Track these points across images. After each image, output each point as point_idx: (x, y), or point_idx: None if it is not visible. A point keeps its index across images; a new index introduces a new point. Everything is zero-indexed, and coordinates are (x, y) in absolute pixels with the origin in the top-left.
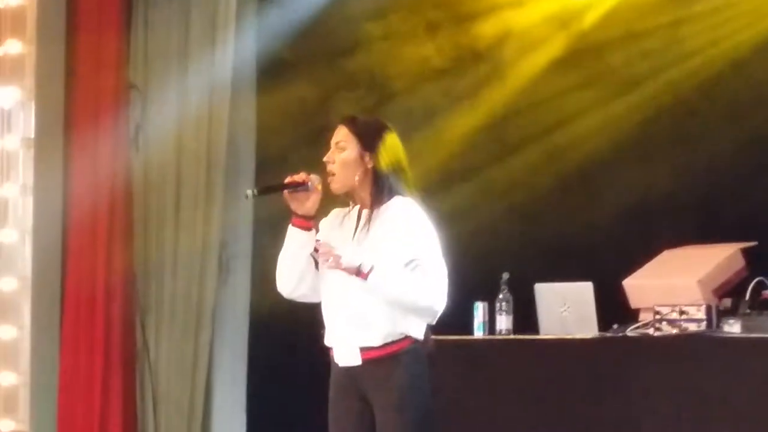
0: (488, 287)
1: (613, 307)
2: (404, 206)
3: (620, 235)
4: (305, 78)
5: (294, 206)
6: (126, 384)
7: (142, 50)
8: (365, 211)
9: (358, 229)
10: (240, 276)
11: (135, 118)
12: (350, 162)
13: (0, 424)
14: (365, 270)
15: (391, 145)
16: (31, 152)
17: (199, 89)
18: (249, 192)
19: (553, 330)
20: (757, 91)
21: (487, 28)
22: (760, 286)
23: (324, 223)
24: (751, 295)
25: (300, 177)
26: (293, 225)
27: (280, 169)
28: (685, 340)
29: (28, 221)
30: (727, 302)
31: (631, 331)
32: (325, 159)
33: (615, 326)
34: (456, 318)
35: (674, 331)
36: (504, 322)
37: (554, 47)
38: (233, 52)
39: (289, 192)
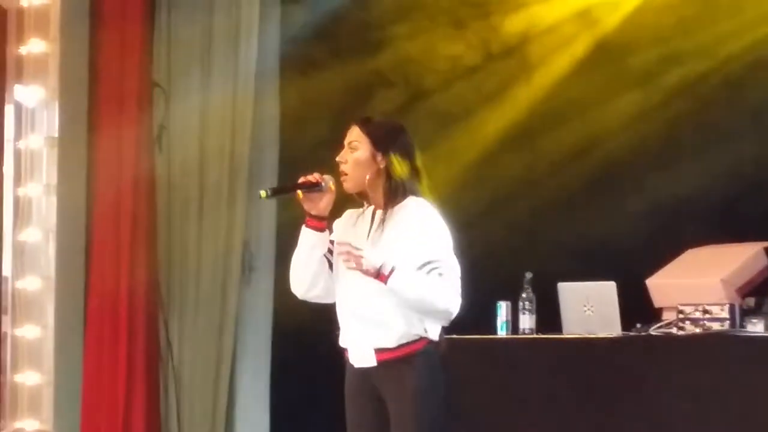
0: (511, 286)
1: (636, 307)
2: (418, 207)
3: (644, 235)
4: (329, 76)
5: (307, 207)
6: (149, 384)
7: (166, 49)
8: (379, 212)
9: (372, 229)
10: (263, 276)
11: (158, 117)
12: (363, 162)
13: (24, 423)
14: (386, 272)
15: (404, 145)
16: (55, 151)
17: (223, 89)
18: (262, 192)
19: (576, 329)
20: None
21: (514, 26)
22: None
23: (337, 224)
24: None
25: (314, 177)
26: (307, 226)
27: (302, 168)
28: (709, 339)
29: (52, 220)
30: (751, 301)
31: (654, 331)
32: (338, 158)
33: (638, 325)
34: (479, 317)
35: (697, 330)
36: (527, 322)
37: (580, 47)
38: (256, 51)
39: (302, 192)
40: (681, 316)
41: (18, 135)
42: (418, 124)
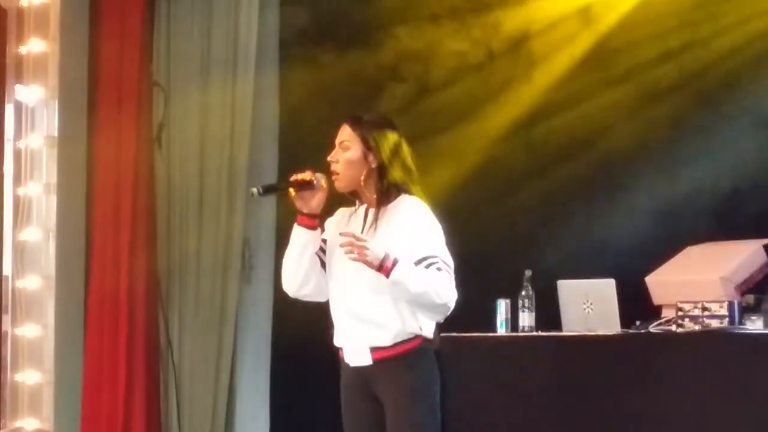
0: (511, 284)
1: (635, 304)
2: (411, 205)
3: (643, 232)
4: (328, 73)
5: (299, 205)
6: (150, 382)
7: (165, 49)
8: (372, 210)
9: (365, 228)
10: (263, 274)
11: (158, 116)
12: (354, 161)
13: (24, 422)
14: (389, 264)
15: (396, 144)
16: (55, 151)
17: (222, 87)
18: (254, 190)
19: (575, 327)
20: None
21: (515, 22)
22: None
23: (330, 222)
24: None
25: (305, 175)
26: (298, 224)
27: (302, 166)
28: (708, 336)
29: (52, 220)
30: (750, 298)
31: (653, 328)
32: (329, 158)
33: (637, 323)
34: (479, 315)
35: (697, 327)
36: (527, 319)
37: (580, 44)
38: (256, 50)
39: (294, 190)
40: (680, 313)
41: (18, 134)
42: (419, 121)
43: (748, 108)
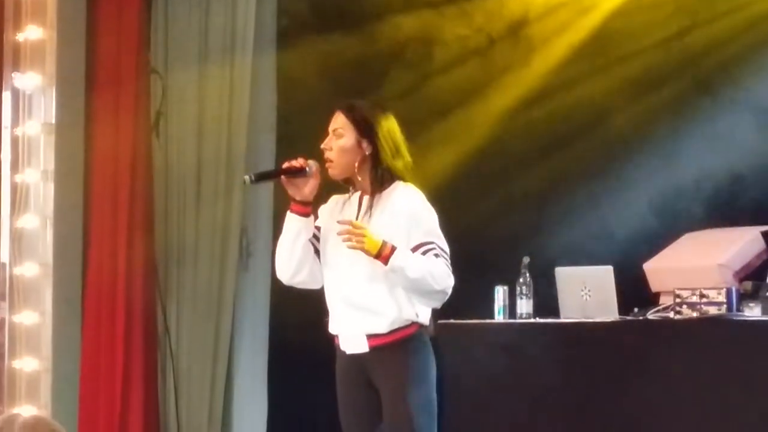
0: (509, 271)
1: (633, 291)
2: (406, 191)
3: (641, 219)
4: (326, 60)
5: (292, 192)
6: (147, 369)
7: (163, 35)
8: (366, 198)
9: (360, 215)
10: (261, 261)
11: (155, 103)
12: (348, 149)
13: (22, 409)
14: (386, 250)
15: (389, 131)
16: (52, 138)
17: (220, 74)
18: (246, 178)
19: (573, 314)
20: None
21: (513, 8)
22: None
23: (323, 209)
24: None
25: (298, 162)
26: (291, 211)
27: (300, 153)
28: (706, 323)
29: (49, 207)
30: (748, 285)
31: (651, 315)
32: (322, 146)
33: (635, 310)
34: (477, 302)
35: (695, 314)
36: (524, 306)
37: (580, 30)
38: (253, 36)
39: (287, 177)
40: (678, 300)
41: (15, 121)
42: (417, 108)
43: (748, 94)
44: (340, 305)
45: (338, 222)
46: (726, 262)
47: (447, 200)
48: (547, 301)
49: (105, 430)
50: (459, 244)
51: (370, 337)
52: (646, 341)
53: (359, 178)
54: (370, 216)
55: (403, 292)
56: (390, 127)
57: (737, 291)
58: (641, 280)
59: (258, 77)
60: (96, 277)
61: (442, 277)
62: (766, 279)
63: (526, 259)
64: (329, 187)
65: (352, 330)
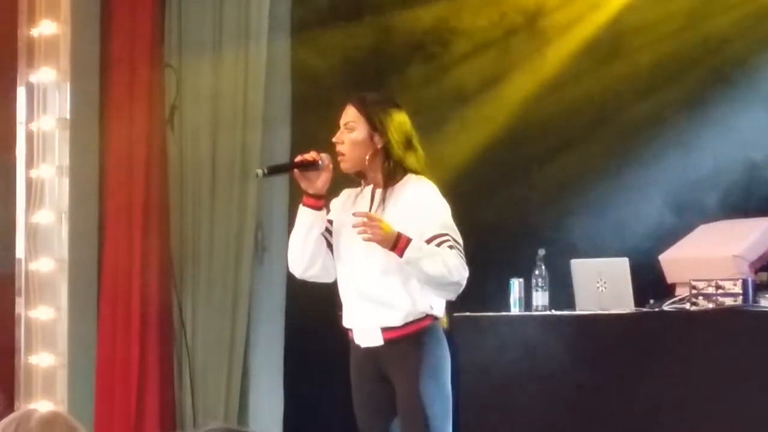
0: (524, 263)
1: (649, 283)
2: (418, 184)
3: (656, 210)
4: (342, 49)
5: (304, 185)
6: (163, 364)
7: (177, 29)
8: (378, 191)
9: (373, 208)
10: (276, 255)
11: (170, 97)
12: (360, 142)
13: (38, 405)
14: (402, 243)
15: (401, 123)
16: (67, 133)
17: (234, 67)
18: (259, 171)
19: (589, 306)
20: None
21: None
22: None
23: (335, 203)
24: None
25: (310, 156)
26: (304, 204)
27: (316, 146)
28: (722, 314)
29: (65, 202)
30: (764, 276)
31: (667, 306)
32: (334, 139)
33: (651, 301)
34: (492, 294)
35: (710, 305)
36: (540, 299)
37: (594, 22)
38: (267, 29)
39: (299, 171)
40: (694, 291)
41: (30, 117)
42: (433, 97)
43: (764, 85)
44: (354, 299)
45: (354, 214)
46: (741, 253)
47: (462, 192)
48: (562, 293)
49: (121, 425)
50: (474, 236)
51: (384, 330)
52: (662, 333)
53: (371, 172)
54: (383, 209)
55: (417, 284)
56: (401, 120)
57: (753, 282)
58: (657, 271)
59: (272, 69)
60: (111, 272)
61: (456, 268)
62: None
63: (541, 252)
64: (341, 181)
65: (366, 323)
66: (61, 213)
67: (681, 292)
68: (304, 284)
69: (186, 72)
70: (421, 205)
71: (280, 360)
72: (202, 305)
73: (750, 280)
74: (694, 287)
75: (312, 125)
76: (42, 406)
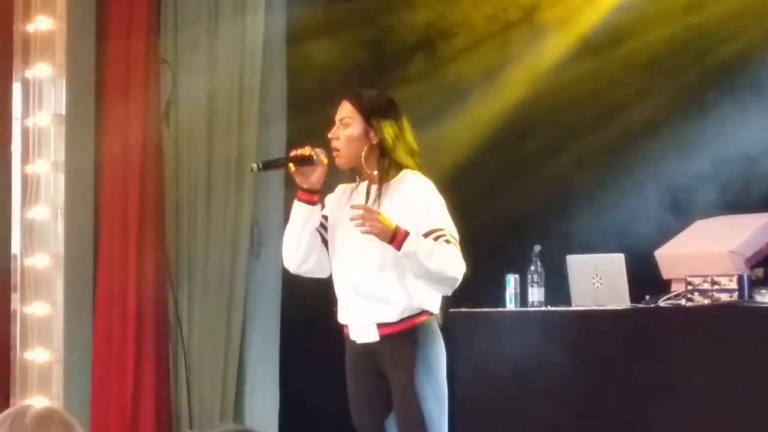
0: (520, 259)
1: (644, 278)
2: (414, 179)
3: (652, 206)
4: (337, 47)
5: (299, 180)
6: (159, 360)
7: (173, 25)
8: (374, 187)
9: (369, 204)
10: (272, 251)
11: (166, 93)
12: (355, 138)
13: (34, 400)
14: (400, 236)
15: (396, 120)
16: (63, 129)
17: (230, 63)
18: (254, 165)
19: (585, 302)
20: None
21: None
22: None
23: (330, 199)
24: None
25: (305, 151)
26: (299, 199)
27: (311, 142)
28: (718, 310)
29: (60, 198)
30: (759, 272)
31: (663, 302)
32: (329, 135)
33: (647, 297)
34: (488, 290)
35: (706, 301)
36: (536, 294)
37: (590, 20)
38: (263, 24)
39: (294, 166)
40: (690, 287)
41: (25, 113)
42: (430, 94)
43: (761, 82)
44: (349, 294)
45: (352, 207)
46: (737, 249)
47: (458, 188)
48: (558, 289)
49: (117, 421)
50: (470, 232)
51: (380, 326)
52: (657, 328)
53: (366, 168)
54: (378, 205)
55: (413, 280)
56: (397, 116)
57: (749, 278)
58: (652, 267)
59: (269, 65)
60: (107, 268)
61: (454, 263)
62: None
63: (537, 247)
64: (336, 177)
65: (362, 319)
66: (57, 209)
67: (677, 288)
68: (299, 280)
69: (182, 68)
70: (416, 200)
71: (276, 356)
72: (198, 301)
73: (746, 275)
74: (689, 283)
75: (308, 121)
76: (37, 402)
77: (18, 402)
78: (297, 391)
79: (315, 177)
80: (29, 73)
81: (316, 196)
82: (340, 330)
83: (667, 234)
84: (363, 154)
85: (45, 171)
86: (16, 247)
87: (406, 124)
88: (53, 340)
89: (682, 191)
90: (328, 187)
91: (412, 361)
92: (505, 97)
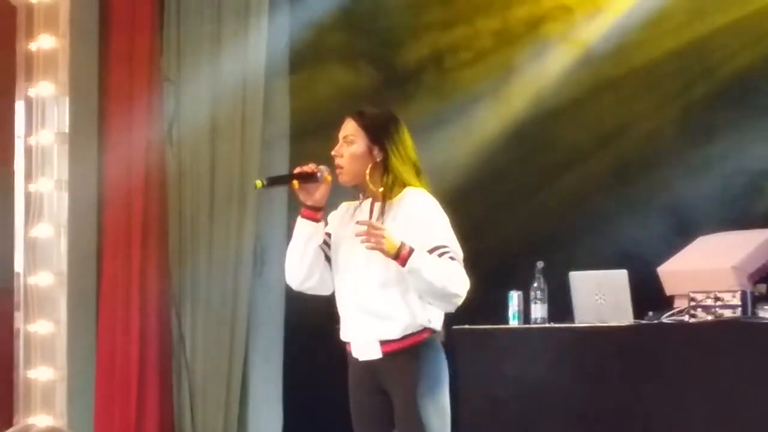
0: (523, 276)
1: (648, 295)
2: (417, 197)
3: (655, 222)
4: (339, 66)
5: (303, 197)
6: (162, 377)
7: (175, 42)
8: (377, 204)
9: (373, 221)
10: (275, 268)
11: (168, 111)
12: (359, 156)
13: (37, 419)
14: (405, 251)
15: (400, 137)
16: (66, 147)
17: (232, 81)
18: (258, 182)
19: (588, 318)
20: None
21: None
22: None
23: (333, 216)
24: None
25: (309, 168)
26: (302, 216)
27: (314, 161)
28: (721, 326)
29: (64, 216)
30: (762, 288)
31: (666, 318)
32: (333, 153)
33: (650, 313)
34: (491, 307)
35: (709, 317)
36: (539, 311)
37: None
38: (266, 43)
39: (298, 183)
40: (693, 303)
41: (29, 131)
42: (434, 111)
43: (763, 99)
44: (352, 312)
45: (357, 223)
46: (740, 265)
47: (461, 205)
48: (561, 305)
49: None
50: (473, 249)
51: (382, 343)
52: (660, 345)
53: (370, 185)
54: (382, 222)
55: (416, 297)
56: (401, 133)
57: (752, 294)
58: (655, 283)
59: (271, 82)
60: (110, 286)
61: (458, 279)
62: None
63: (539, 264)
64: (339, 195)
65: (364, 336)
66: (60, 227)
67: (680, 304)
68: (302, 297)
69: (184, 85)
70: (420, 218)
71: (279, 373)
72: (202, 318)
73: (749, 291)
74: (692, 299)
75: (312, 138)
76: (41, 420)
77: (21, 420)
78: (300, 409)
79: (319, 194)
80: (32, 92)
81: (320, 213)
82: (342, 347)
83: (669, 250)
84: (367, 171)
85: (48, 189)
86: (19, 266)
87: (409, 142)
88: (56, 358)
89: (684, 207)
90: (331, 205)
91: (414, 377)
92: (508, 116)
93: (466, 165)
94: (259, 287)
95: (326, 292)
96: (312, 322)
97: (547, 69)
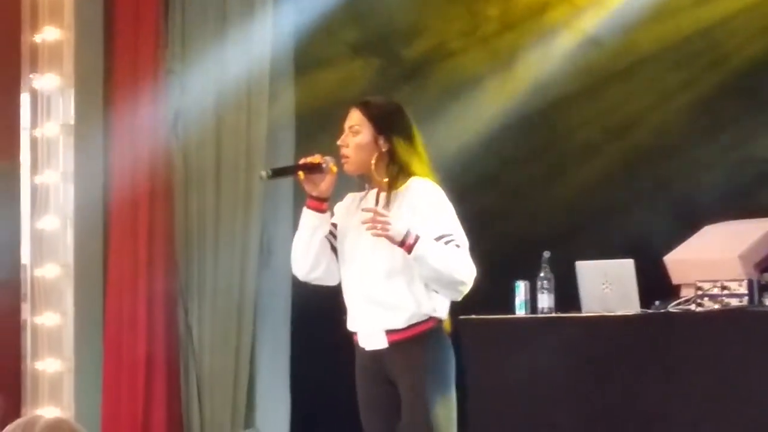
0: (529, 266)
1: (654, 284)
2: (423, 186)
3: (661, 211)
4: (344, 60)
5: (308, 188)
6: (170, 368)
7: (180, 34)
8: (383, 194)
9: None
10: (281, 259)
11: (174, 103)
12: (364, 146)
13: (45, 410)
14: (411, 239)
15: (405, 127)
16: (71, 139)
17: (238, 73)
18: (263, 173)
19: (594, 307)
20: None
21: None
22: None
23: (339, 207)
24: None
25: (315, 158)
26: (307, 207)
27: (319, 151)
28: (727, 315)
29: (69, 208)
30: None
31: (672, 308)
32: (339, 143)
33: (657, 303)
34: (498, 297)
35: (716, 306)
36: (545, 301)
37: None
38: (272, 33)
39: (304, 173)
40: (699, 292)
41: (34, 123)
42: (441, 100)
43: None
44: (358, 302)
45: (363, 210)
46: (747, 254)
47: (467, 195)
48: (568, 295)
49: (128, 430)
50: (479, 238)
51: (388, 332)
52: (667, 334)
53: (375, 175)
54: (388, 211)
55: (422, 287)
56: (405, 123)
57: (758, 282)
58: (662, 272)
59: (276, 72)
60: (117, 277)
61: (464, 267)
62: None
63: (546, 254)
64: (345, 185)
65: (370, 326)
66: (66, 219)
67: (686, 293)
68: (309, 288)
69: (189, 77)
70: (425, 206)
71: (287, 363)
72: (209, 309)
73: (755, 280)
74: (699, 288)
75: (317, 128)
76: (48, 412)
77: (29, 412)
78: (308, 399)
79: (324, 185)
80: (37, 84)
81: (326, 203)
82: (349, 337)
83: (676, 239)
84: (372, 161)
85: (54, 181)
86: (25, 257)
87: (415, 132)
88: (64, 349)
89: (691, 196)
90: (336, 195)
91: (419, 367)
92: (515, 106)
93: (472, 155)
94: (266, 278)
95: (333, 283)
96: (319, 312)
97: (553, 58)
